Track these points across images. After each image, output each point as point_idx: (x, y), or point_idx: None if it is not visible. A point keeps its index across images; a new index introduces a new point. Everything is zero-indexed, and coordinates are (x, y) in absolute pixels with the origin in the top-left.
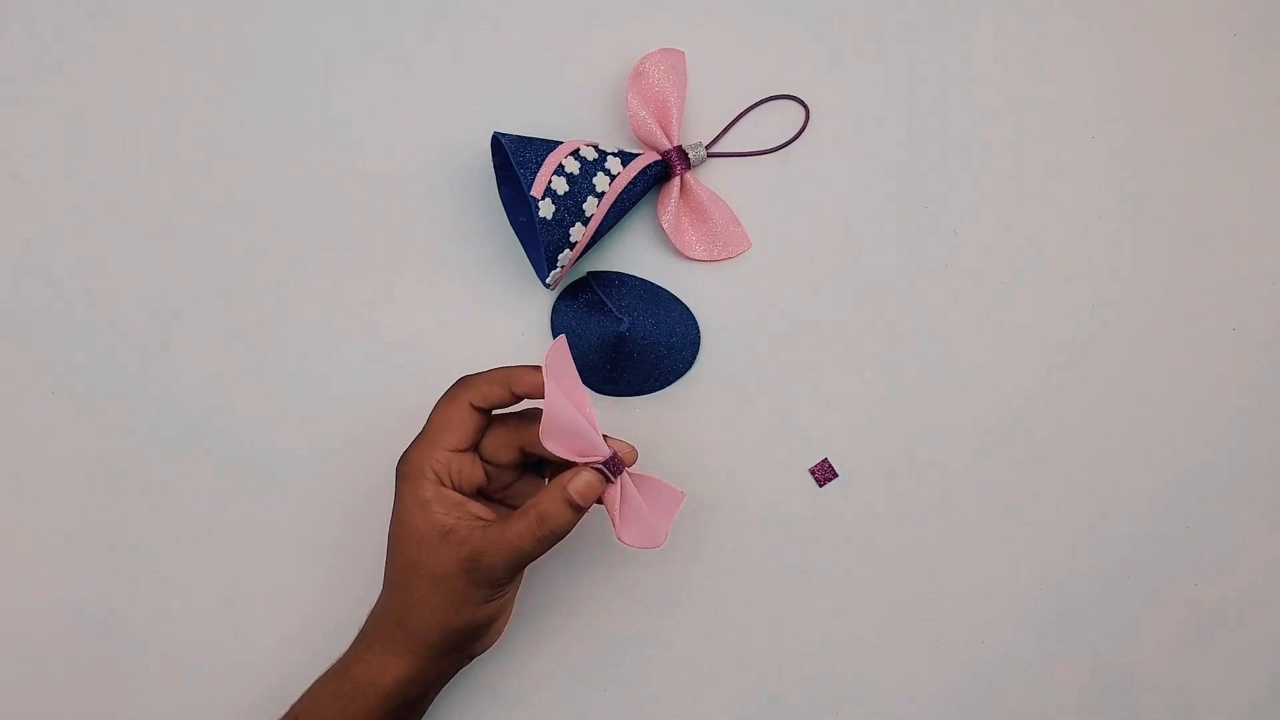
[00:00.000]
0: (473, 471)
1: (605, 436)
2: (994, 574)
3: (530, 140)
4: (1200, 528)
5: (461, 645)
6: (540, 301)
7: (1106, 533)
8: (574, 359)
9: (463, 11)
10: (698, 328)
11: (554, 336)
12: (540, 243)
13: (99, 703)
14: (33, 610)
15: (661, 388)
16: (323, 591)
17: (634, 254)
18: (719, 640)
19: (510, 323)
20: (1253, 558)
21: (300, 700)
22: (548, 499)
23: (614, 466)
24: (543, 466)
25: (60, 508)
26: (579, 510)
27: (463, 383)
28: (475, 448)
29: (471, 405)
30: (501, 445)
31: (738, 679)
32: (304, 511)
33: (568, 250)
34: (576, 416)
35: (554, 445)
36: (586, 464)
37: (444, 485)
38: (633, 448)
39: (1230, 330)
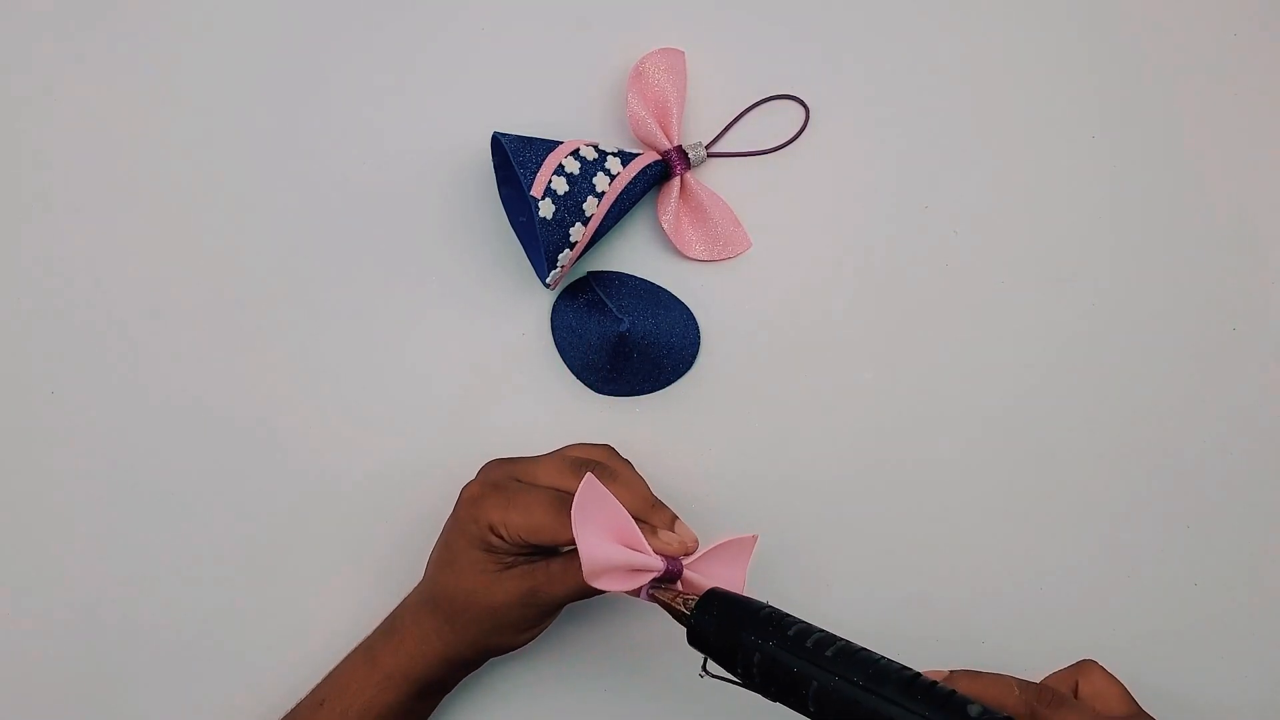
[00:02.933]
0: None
1: (654, 535)
2: (994, 573)
3: (530, 140)
4: (1200, 528)
5: (495, 652)
6: (540, 301)
7: (1106, 532)
8: (574, 359)
9: (463, 12)
10: (698, 328)
11: (554, 336)
12: (540, 243)
13: (121, 693)
14: (34, 611)
15: (661, 388)
16: (332, 583)
17: (634, 254)
18: None
19: (510, 323)
20: (1253, 558)
21: (326, 684)
22: None
23: (671, 575)
24: None
25: (60, 509)
26: None
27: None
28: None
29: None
30: (549, 535)
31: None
32: (302, 509)
33: (568, 250)
34: (616, 552)
35: (606, 585)
36: (642, 588)
37: (505, 541)
38: (683, 540)
39: (1230, 330)
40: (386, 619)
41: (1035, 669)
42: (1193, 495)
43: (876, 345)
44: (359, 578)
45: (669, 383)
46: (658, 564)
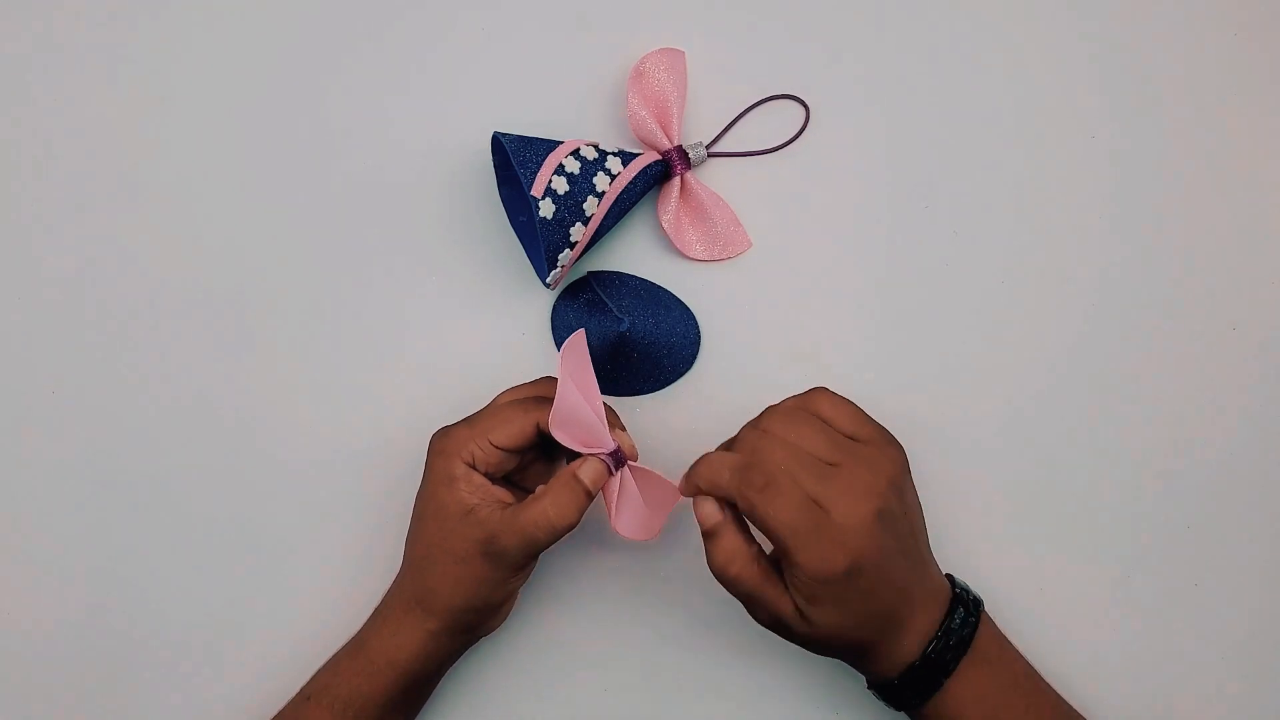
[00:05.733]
0: (503, 461)
1: (612, 429)
2: (995, 574)
3: (530, 140)
4: (1200, 528)
5: (475, 623)
6: (540, 301)
7: (1106, 533)
8: None
9: (463, 11)
10: (698, 328)
11: (554, 336)
12: (540, 242)
13: (109, 692)
14: (34, 611)
15: (661, 388)
16: (323, 582)
17: (634, 254)
18: (719, 639)
19: (510, 323)
20: (1253, 558)
21: (316, 678)
22: (557, 484)
23: (617, 459)
24: (554, 451)
25: (60, 508)
26: (587, 496)
27: (541, 403)
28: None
29: (539, 425)
30: (517, 428)
31: (738, 678)
32: (302, 505)
33: (568, 250)
34: (585, 409)
35: (561, 435)
36: (591, 454)
37: (474, 468)
38: (633, 444)
39: (1230, 330)
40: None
41: (1037, 669)
42: (1193, 495)
43: (877, 345)
44: (356, 579)
45: (669, 383)
46: (609, 444)
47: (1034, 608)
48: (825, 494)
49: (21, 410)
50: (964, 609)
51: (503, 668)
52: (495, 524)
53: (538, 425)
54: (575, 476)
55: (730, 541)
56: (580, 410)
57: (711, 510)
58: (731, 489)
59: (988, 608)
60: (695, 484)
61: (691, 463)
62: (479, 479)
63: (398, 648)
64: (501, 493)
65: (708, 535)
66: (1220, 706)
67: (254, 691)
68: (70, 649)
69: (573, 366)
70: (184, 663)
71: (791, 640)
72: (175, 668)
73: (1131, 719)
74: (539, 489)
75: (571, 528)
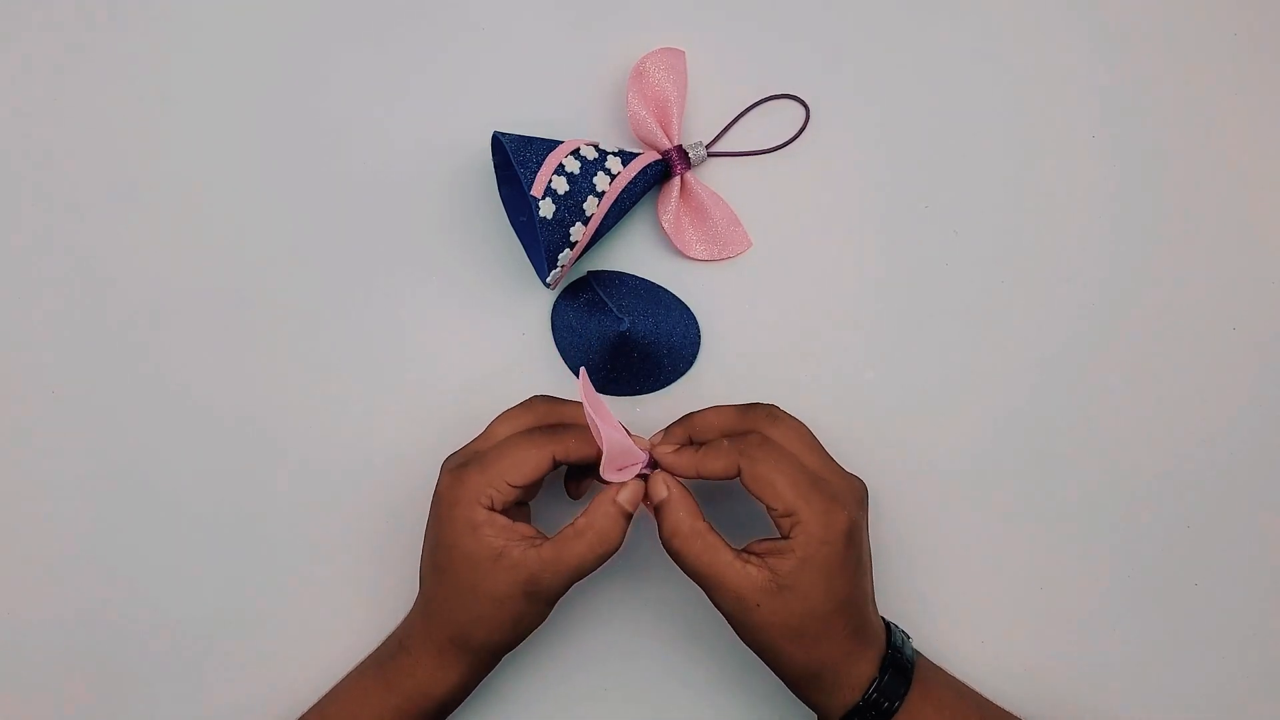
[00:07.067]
0: (519, 495)
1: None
2: (993, 574)
3: (530, 140)
4: (1200, 528)
5: (510, 650)
6: (540, 301)
7: (1106, 533)
8: (574, 359)
9: (462, 11)
10: (698, 328)
11: (554, 336)
12: (540, 242)
13: (107, 702)
14: (34, 612)
15: (661, 388)
16: (325, 584)
17: (634, 254)
18: (720, 640)
19: (510, 323)
20: (1253, 558)
21: (334, 705)
22: (601, 516)
23: (651, 465)
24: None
25: (61, 509)
26: (627, 518)
27: (550, 433)
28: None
29: (554, 457)
30: (532, 466)
31: (739, 679)
32: (303, 507)
33: (568, 250)
34: (625, 445)
35: (613, 476)
36: (633, 476)
37: (494, 510)
38: (649, 442)
39: (1230, 330)
40: (391, 638)
41: (1035, 670)
42: (1193, 495)
43: (877, 345)
44: (357, 582)
45: (669, 383)
46: (643, 455)
47: (1033, 606)
48: (821, 468)
49: (22, 410)
50: (902, 636)
51: (504, 670)
52: (534, 565)
53: (553, 457)
54: (615, 503)
55: (679, 512)
56: (623, 449)
57: (659, 487)
58: (730, 454)
59: (987, 604)
60: (696, 467)
61: (679, 448)
62: (501, 520)
63: (435, 686)
64: (524, 528)
65: (657, 510)
66: (1220, 707)
67: (255, 700)
68: (70, 654)
69: (595, 408)
70: (193, 668)
71: (751, 629)
72: (174, 671)
73: (1129, 718)
74: (577, 524)
75: (616, 551)
